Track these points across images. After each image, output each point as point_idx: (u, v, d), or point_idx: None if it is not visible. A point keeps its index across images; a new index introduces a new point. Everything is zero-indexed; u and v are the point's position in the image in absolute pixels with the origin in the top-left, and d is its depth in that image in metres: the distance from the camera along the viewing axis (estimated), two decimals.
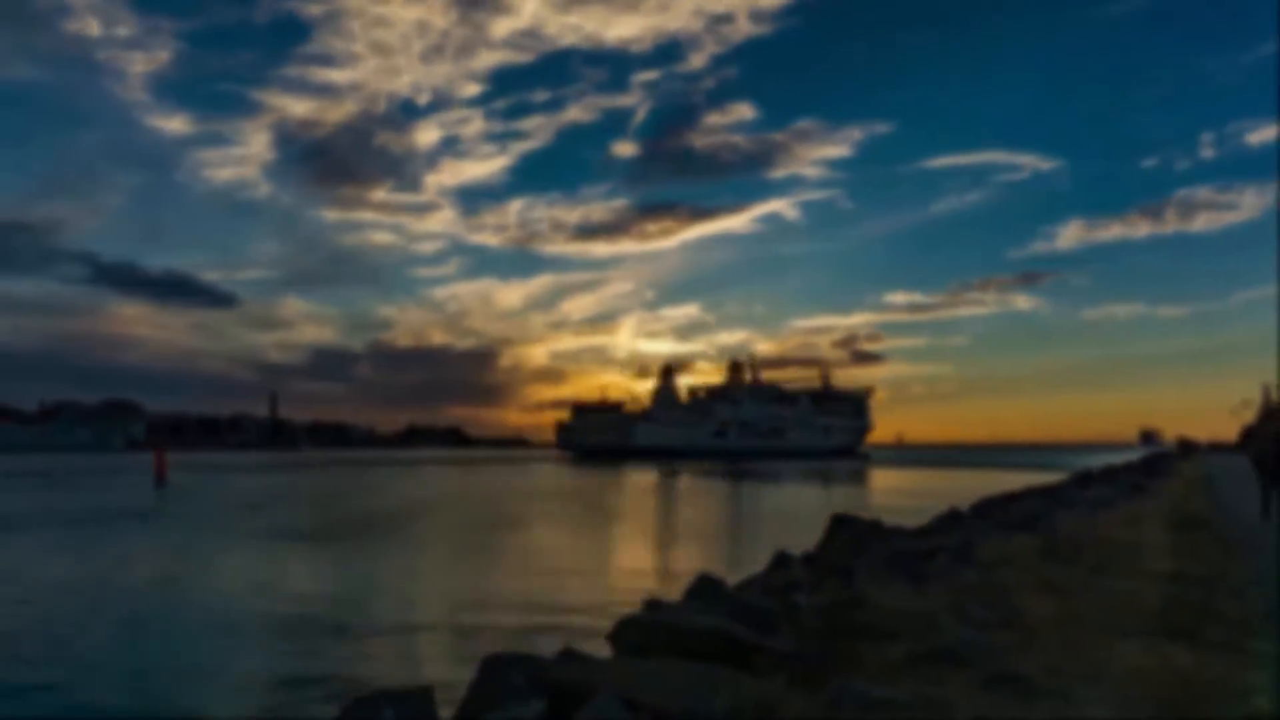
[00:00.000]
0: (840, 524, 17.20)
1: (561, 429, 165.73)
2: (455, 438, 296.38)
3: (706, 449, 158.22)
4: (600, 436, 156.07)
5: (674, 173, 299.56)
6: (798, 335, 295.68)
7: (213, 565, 23.19)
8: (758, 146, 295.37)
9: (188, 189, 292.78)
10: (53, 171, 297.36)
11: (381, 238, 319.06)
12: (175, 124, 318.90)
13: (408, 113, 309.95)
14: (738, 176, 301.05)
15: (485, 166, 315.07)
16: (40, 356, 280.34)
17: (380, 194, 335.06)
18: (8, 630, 15.32)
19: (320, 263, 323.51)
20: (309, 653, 13.67)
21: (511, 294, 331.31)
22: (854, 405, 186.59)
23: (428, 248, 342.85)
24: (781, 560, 13.50)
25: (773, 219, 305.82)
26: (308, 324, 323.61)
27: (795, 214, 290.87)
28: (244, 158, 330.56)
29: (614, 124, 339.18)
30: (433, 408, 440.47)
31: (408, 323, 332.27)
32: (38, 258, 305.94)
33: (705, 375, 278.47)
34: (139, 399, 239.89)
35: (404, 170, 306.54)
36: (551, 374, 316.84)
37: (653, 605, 8.88)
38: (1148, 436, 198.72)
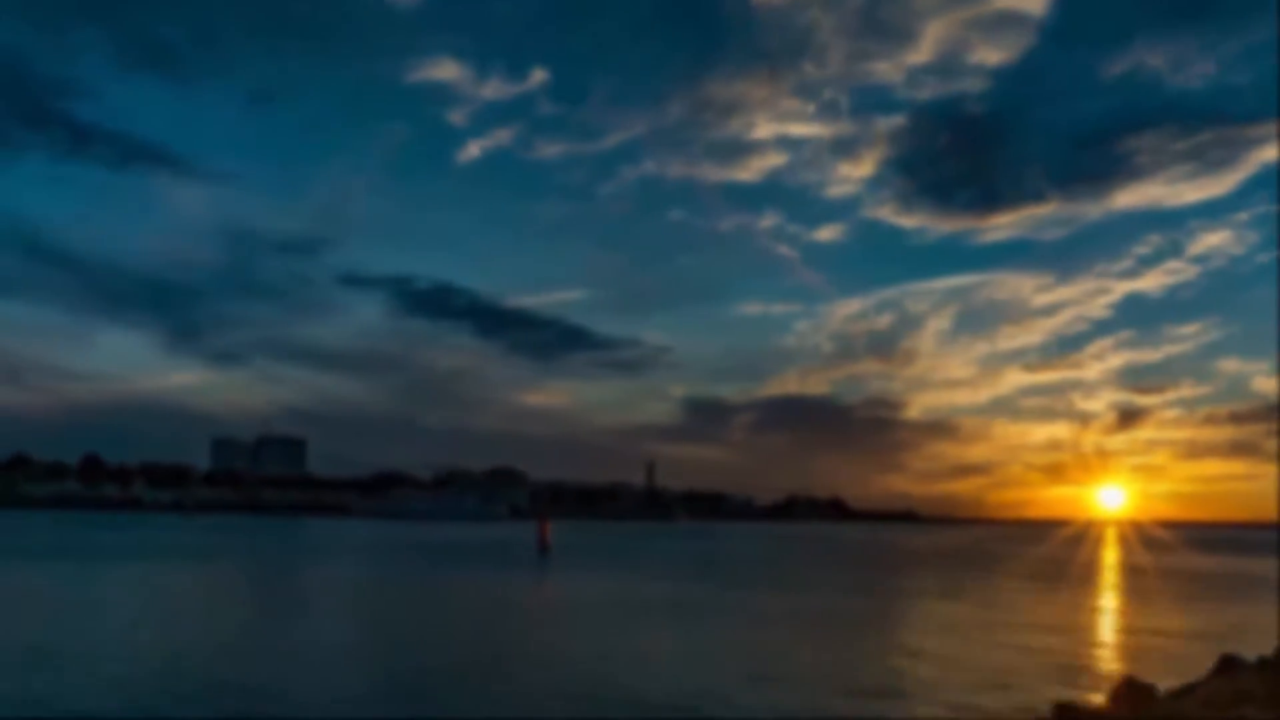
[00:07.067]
0: None
1: None
2: (837, 510, 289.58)
3: None
4: None
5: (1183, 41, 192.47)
6: None
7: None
8: None
9: (460, 147, 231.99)
10: (304, 155, 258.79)
11: (757, 222, 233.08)
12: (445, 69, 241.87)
13: None
14: None
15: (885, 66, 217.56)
16: (396, 419, 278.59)
17: (758, 123, 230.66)
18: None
19: (669, 272, 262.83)
20: None
21: (930, 311, 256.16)
22: None
23: (823, 234, 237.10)
24: (1229, 664, 12.42)
25: None
26: (674, 372, 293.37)
27: None
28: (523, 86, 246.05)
29: None
30: (808, 471, 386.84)
31: (787, 359, 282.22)
32: (335, 281, 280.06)
33: (1164, 431, 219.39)
34: (521, 465, 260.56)
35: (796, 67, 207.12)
36: (967, 430, 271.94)
37: (1065, 709, 8.61)
38: None
